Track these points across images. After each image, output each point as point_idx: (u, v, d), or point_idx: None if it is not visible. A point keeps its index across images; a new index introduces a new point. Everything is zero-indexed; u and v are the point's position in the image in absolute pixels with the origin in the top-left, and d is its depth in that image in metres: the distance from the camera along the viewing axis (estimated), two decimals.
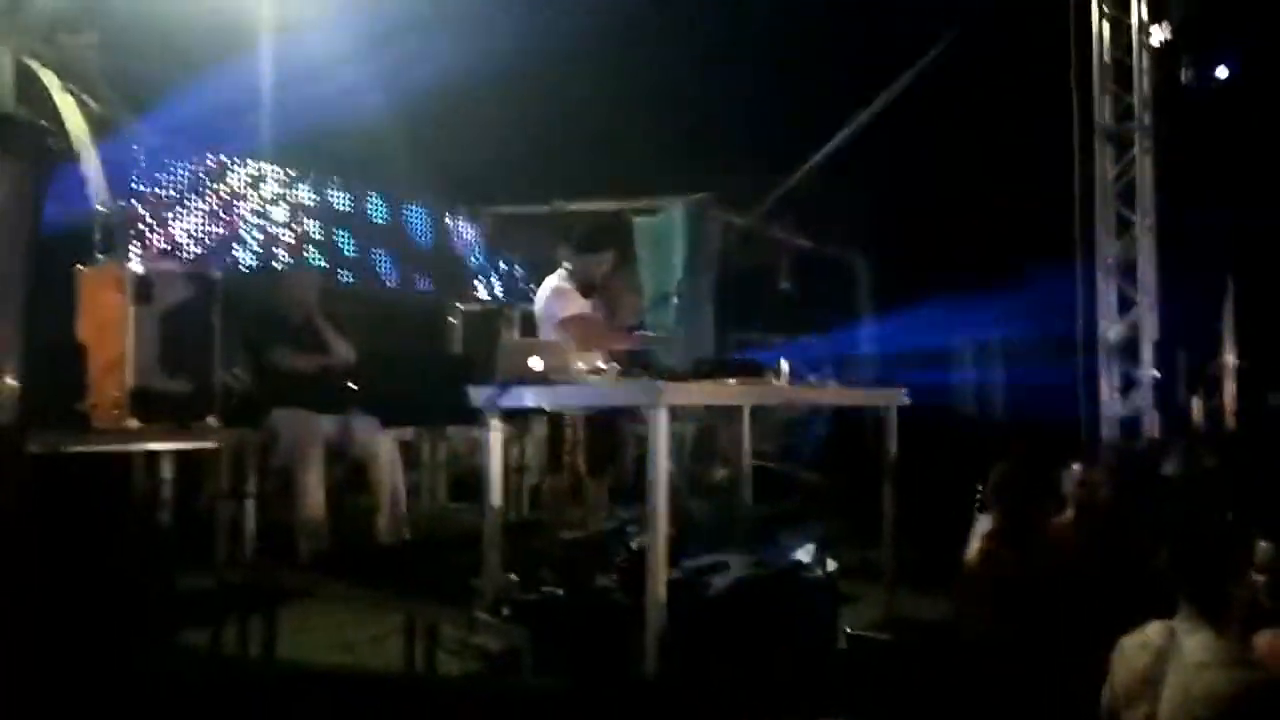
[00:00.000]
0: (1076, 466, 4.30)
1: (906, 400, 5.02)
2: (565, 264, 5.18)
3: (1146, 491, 4.11)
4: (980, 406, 11.85)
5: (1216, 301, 7.63)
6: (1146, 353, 6.61)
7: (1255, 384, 7.92)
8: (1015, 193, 8.25)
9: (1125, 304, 6.88)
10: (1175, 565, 2.31)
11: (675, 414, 6.62)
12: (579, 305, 5.04)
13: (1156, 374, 6.51)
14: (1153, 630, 2.31)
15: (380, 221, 8.15)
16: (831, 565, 5.24)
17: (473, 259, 8.98)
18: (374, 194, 8.07)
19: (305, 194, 7.45)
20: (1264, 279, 7.83)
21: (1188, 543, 2.36)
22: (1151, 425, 6.54)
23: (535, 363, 4.00)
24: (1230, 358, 7.87)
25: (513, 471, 6.51)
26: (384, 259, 8.10)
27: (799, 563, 5.39)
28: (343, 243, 7.75)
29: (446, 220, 8.71)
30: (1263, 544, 2.53)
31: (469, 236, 8.95)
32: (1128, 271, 6.83)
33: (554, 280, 5.16)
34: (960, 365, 11.96)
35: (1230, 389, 7.90)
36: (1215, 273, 7.62)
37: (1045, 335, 7.87)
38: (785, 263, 10.49)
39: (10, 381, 2.42)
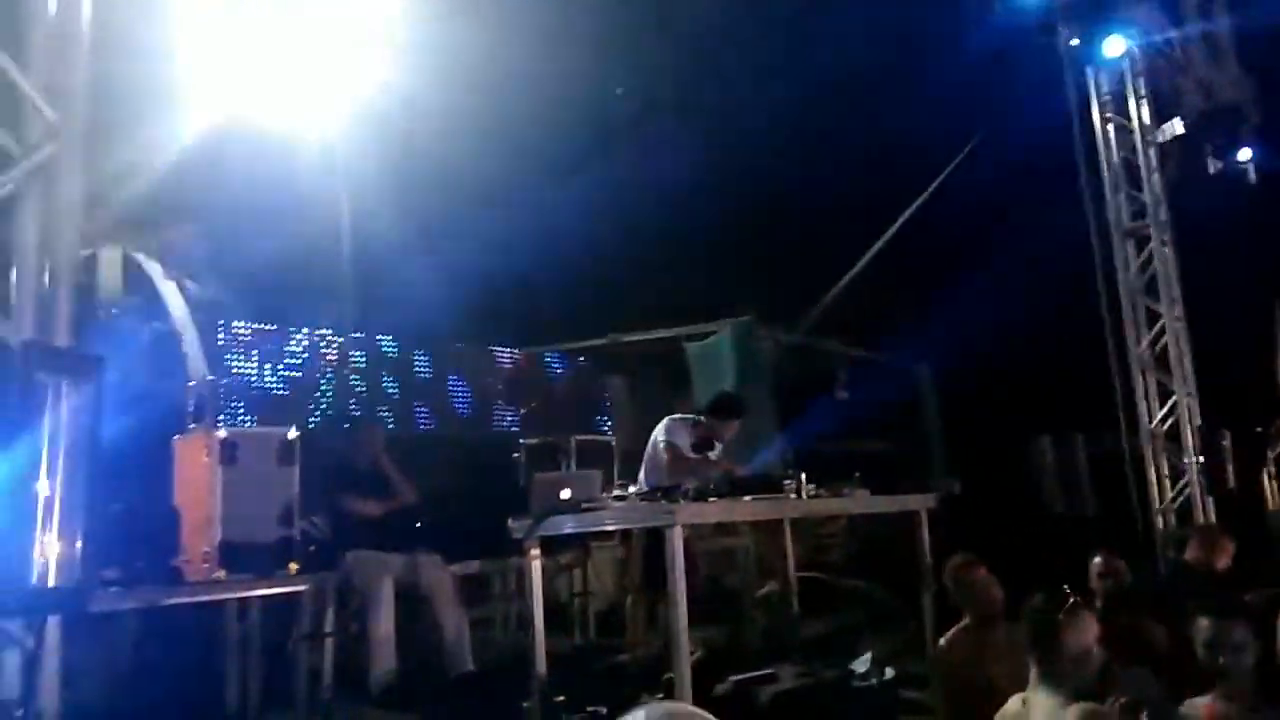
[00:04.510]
0: (1098, 559, 4.41)
1: (933, 504, 5.19)
2: (701, 417, 5.78)
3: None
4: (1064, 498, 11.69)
5: (1270, 378, 7.58)
6: (1189, 440, 6.63)
7: None
8: (1050, 292, 8.44)
9: (1166, 393, 6.94)
10: (1026, 637, 2.61)
11: (732, 531, 6.93)
12: (685, 441, 5.64)
13: (1201, 459, 6.51)
14: (1010, 704, 2.51)
15: (458, 367, 8.79)
16: (889, 673, 5.35)
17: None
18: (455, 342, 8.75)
19: (378, 349, 8.16)
20: None
21: (1030, 616, 2.65)
22: (1204, 512, 6.52)
23: (565, 493, 4.40)
24: None
25: (575, 597, 6.79)
26: (461, 391, 8.71)
27: (850, 672, 5.51)
28: (421, 388, 8.39)
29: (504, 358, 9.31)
30: (1202, 620, 2.69)
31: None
32: (1163, 361, 6.92)
33: (680, 418, 5.84)
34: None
35: None
36: (1264, 347, 7.60)
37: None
38: (841, 374, 10.74)
39: (77, 548, 2.95)
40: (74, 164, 3.23)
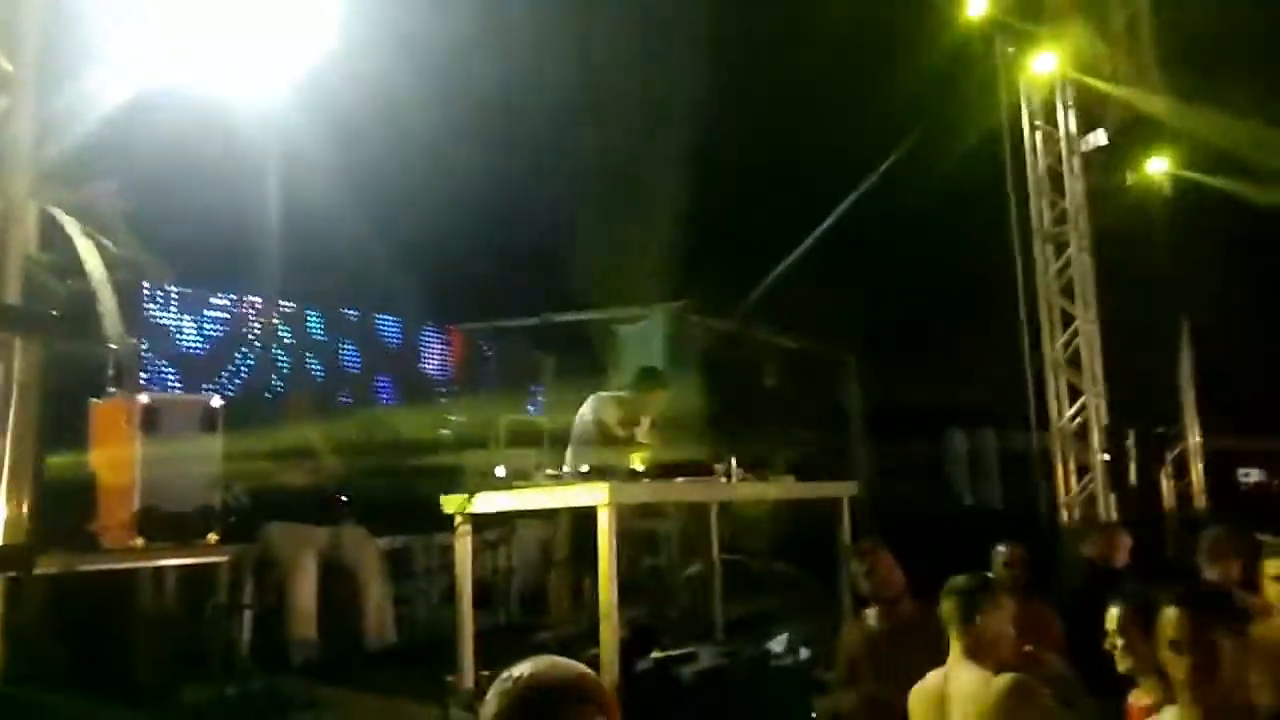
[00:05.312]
0: (1001, 548, 4.58)
1: (855, 491, 5.34)
2: (624, 392, 5.76)
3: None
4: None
5: (1172, 382, 7.97)
6: (1096, 438, 6.95)
7: (1223, 462, 8.21)
8: (972, 290, 8.71)
9: (1075, 393, 7.24)
10: (949, 614, 2.77)
11: (657, 513, 7.01)
12: (612, 418, 5.59)
13: (1107, 456, 6.83)
14: (930, 679, 2.66)
15: (384, 344, 8.68)
16: (805, 653, 5.50)
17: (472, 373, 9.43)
18: (381, 316, 8.63)
19: (303, 323, 8.01)
20: (1222, 354, 8.17)
21: (953, 594, 2.81)
22: (1107, 507, 6.84)
23: (499, 470, 4.42)
24: (1194, 437, 8.17)
25: (497, 574, 6.81)
26: (385, 380, 8.60)
27: (768, 652, 5.66)
28: (346, 362, 8.26)
29: (433, 335, 9.23)
30: (1113, 609, 2.83)
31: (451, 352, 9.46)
32: (1074, 362, 7.22)
33: (606, 395, 5.80)
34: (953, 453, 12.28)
35: (1198, 468, 8.18)
36: (1169, 353, 7.98)
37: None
38: (771, 362, 10.92)
39: (24, 510, 2.87)
40: (26, 115, 3.14)
